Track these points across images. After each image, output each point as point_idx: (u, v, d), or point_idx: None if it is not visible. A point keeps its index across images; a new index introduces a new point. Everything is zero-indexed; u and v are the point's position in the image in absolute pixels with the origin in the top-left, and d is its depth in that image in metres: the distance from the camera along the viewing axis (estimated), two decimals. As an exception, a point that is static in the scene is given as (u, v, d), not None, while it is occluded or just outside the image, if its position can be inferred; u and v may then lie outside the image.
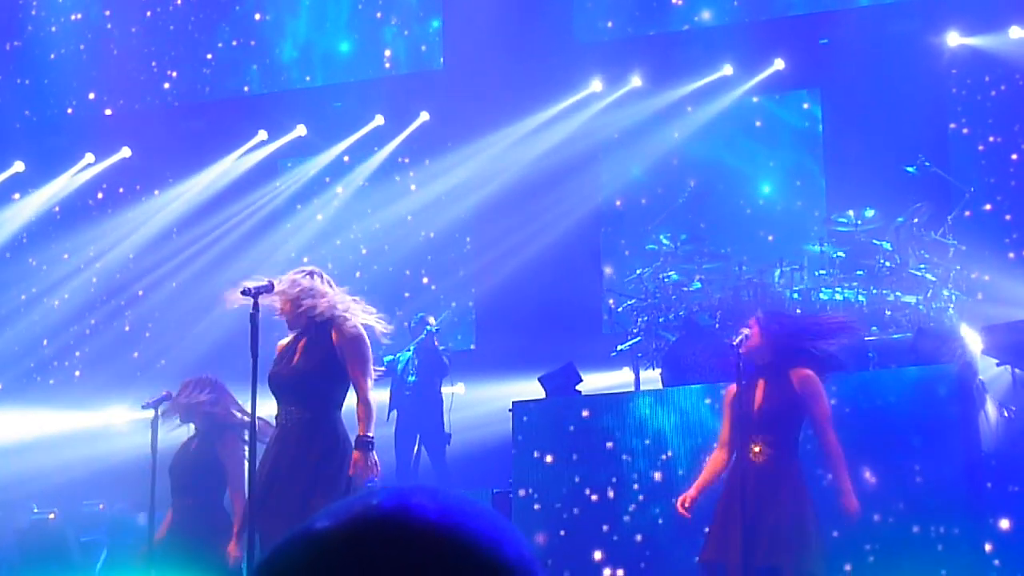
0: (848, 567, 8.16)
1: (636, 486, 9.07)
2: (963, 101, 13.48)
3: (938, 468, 8.20)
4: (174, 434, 7.83)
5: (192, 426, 7.81)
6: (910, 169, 11.59)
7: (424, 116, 15.34)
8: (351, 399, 6.38)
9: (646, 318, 11.39)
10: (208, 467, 7.66)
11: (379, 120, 15.50)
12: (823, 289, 10.78)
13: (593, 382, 11.38)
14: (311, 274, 6.48)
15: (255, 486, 6.08)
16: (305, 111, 15.89)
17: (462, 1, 15.29)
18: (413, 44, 16.07)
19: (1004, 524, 8.29)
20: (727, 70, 14.05)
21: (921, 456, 8.26)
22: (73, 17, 16.76)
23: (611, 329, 12.37)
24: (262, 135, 15.93)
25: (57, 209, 16.62)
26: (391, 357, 12.41)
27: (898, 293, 10.76)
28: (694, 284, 11.35)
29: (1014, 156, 13.10)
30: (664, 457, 9.02)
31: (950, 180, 12.15)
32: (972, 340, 9.72)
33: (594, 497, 9.18)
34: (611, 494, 9.13)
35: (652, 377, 11.02)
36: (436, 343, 12.70)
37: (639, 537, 8.99)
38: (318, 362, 6.33)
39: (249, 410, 6.28)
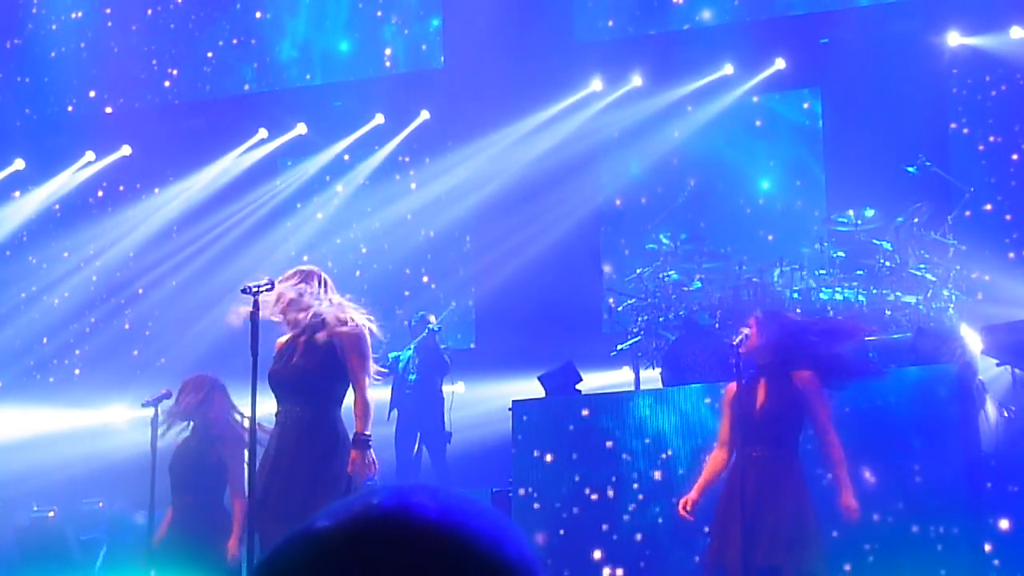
0: (848, 567, 8.16)
1: (636, 485, 9.07)
2: (963, 101, 13.48)
3: (938, 468, 8.20)
4: (174, 432, 7.83)
5: (192, 424, 7.81)
6: (910, 169, 11.59)
7: (424, 115, 15.34)
8: (350, 397, 6.38)
9: (646, 317, 11.39)
10: (208, 466, 7.66)
11: (379, 119, 15.50)
12: (823, 289, 10.78)
13: (593, 381, 11.38)
14: (308, 277, 6.46)
15: (255, 485, 6.08)
16: (305, 110, 15.89)
17: (462, 0, 15.29)
18: (413, 43, 16.07)
19: (1004, 524, 8.29)
20: (728, 70, 14.04)
21: (921, 456, 8.26)
22: (74, 15, 16.75)
23: (611, 328, 12.37)
24: (262, 133, 15.93)
25: (57, 207, 16.63)
26: (395, 354, 12.43)
27: (898, 293, 10.75)
28: (694, 283, 11.35)
29: (1014, 156, 13.09)
30: (664, 456, 9.02)
31: (950, 180, 12.15)
32: (972, 340, 9.72)
33: (594, 496, 9.18)
34: (611, 493, 9.13)
35: (652, 376, 11.02)
36: (437, 342, 12.70)
37: (639, 536, 8.98)
38: (318, 360, 6.32)
39: (244, 412, 6.28)
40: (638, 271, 11.83)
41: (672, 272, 11.45)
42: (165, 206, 16.14)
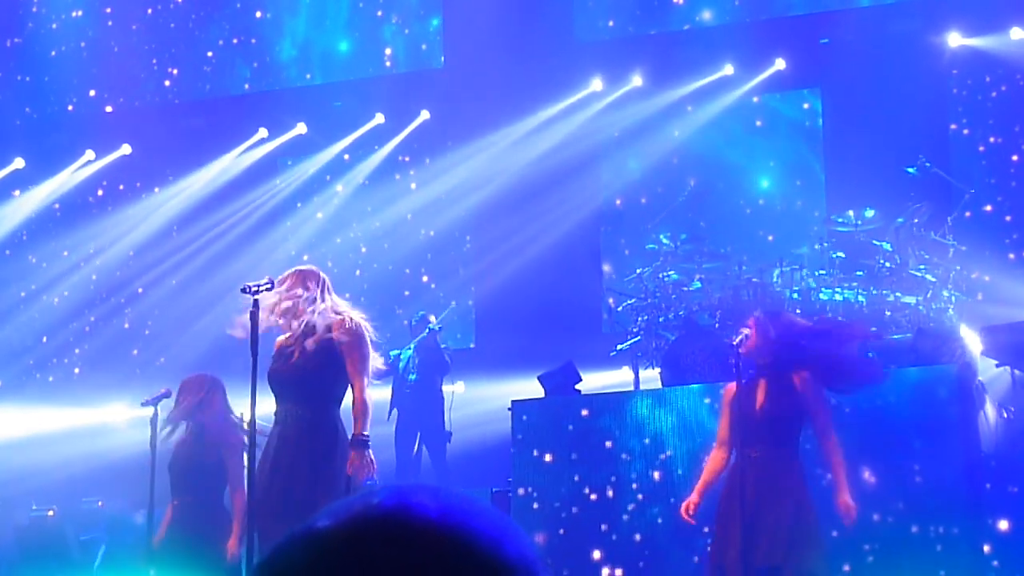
0: (847, 567, 8.16)
1: (635, 485, 9.06)
2: (964, 102, 13.48)
3: (938, 468, 8.20)
4: (177, 434, 7.82)
5: (192, 424, 7.81)
6: (910, 170, 11.58)
7: (424, 115, 15.34)
8: (350, 397, 6.37)
9: (646, 317, 11.39)
10: (207, 465, 7.66)
11: (379, 119, 15.49)
12: (823, 289, 10.77)
13: (593, 381, 11.38)
14: (305, 280, 6.45)
15: (255, 485, 6.07)
16: (305, 109, 15.88)
17: (462, 0, 15.28)
18: (413, 42, 16.07)
19: (1003, 525, 8.29)
20: (728, 70, 14.04)
21: (921, 456, 8.26)
22: (74, 14, 16.75)
23: (611, 328, 12.37)
24: (262, 133, 15.93)
25: (57, 206, 16.62)
26: (396, 352, 12.43)
27: (898, 294, 10.75)
28: (694, 283, 11.35)
29: (1015, 157, 13.09)
30: (663, 457, 9.02)
31: (950, 181, 12.15)
32: (972, 341, 9.72)
33: (593, 496, 9.18)
34: (610, 493, 9.13)
35: (652, 376, 11.02)
36: (438, 341, 12.70)
37: (638, 536, 8.98)
38: (318, 360, 6.32)
39: (243, 413, 6.28)
40: (638, 271, 11.82)
41: (672, 272, 11.45)
42: (165, 205, 16.13)
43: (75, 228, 16.35)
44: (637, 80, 14.43)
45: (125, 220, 16.22)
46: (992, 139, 13.27)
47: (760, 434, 6.61)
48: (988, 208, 12.94)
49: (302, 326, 6.37)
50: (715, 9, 14.68)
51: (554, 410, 9.56)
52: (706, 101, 14.12)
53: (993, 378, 9.77)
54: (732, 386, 6.78)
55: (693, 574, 8.57)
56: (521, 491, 9.41)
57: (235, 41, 16.49)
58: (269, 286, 6.21)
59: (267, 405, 6.46)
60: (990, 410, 9.28)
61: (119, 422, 13.80)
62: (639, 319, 11.47)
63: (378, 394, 6.87)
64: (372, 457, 6.20)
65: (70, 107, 16.76)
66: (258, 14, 16.46)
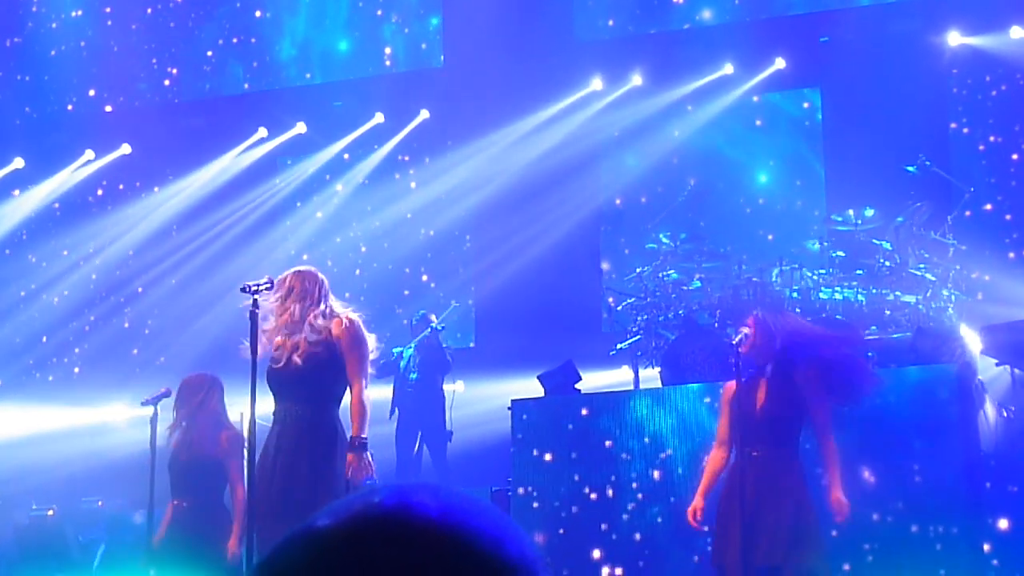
0: (847, 567, 8.16)
1: (635, 485, 9.06)
2: (964, 101, 13.48)
3: (937, 468, 8.20)
4: (179, 435, 7.82)
5: (191, 424, 7.80)
6: (910, 169, 11.58)
7: (424, 114, 15.33)
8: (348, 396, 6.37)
9: (646, 317, 11.38)
10: (207, 465, 7.66)
11: (379, 118, 15.49)
12: (823, 289, 10.77)
13: (592, 381, 11.38)
14: (305, 280, 6.45)
15: (255, 485, 6.07)
16: (305, 109, 15.88)
17: (462, -1, 15.29)
18: (413, 42, 16.06)
19: (1003, 524, 8.29)
20: (728, 69, 14.04)
21: (921, 456, 8.26)
22: (73, 14, 16.75)
23: (611, 328, 12.36)
24: (262, 132, 15.92)
25: (57, 206, 16.62)
26: (399, 349, 12.44)
27: (898, 293, 10.75)
28: (694, 283, 11.34)
29: (1015, 156, 13.09)
30: (663, 456, 9.02)
31: (950, 180, 12.14)
32: (971, 340, 9.71)
33: (593, 496, 9.18)
34: (610, 493, 9.13)
35: (651, 376, 11.01)
36: (439, 341, 12.70)
37: (638, 536, 8.98)
38: (317, 359, 6.32)
39: (239, 414, 6.27)
40: (638, 270, 11.82)
41: (672, 271, 11.44)
42: (165, 204, 16.13)
43: (75, 227, 16.35)
44: (637, 79, 14.43)
45: (125, 219, 16.22)
46: (992, 138, 13.27)
47: (760, 434, 6.61)
48: (988, 207, 12.94)
49: (302, 326, 6.37)
50: (715, 8, 14.68)
51: (554, 409, 9.56)
52: (706, 100, 14.12)
53: (993, 377, 9.76)
54: (732, 385, 6.77)
55: (693, 574, 8.58)
56: (521, 490, 9.41)
57: (235, 40, 16.49)
58: (269, 286, 6.22)
59: (267, 405, 6.47)
60: (990, 409, 9.27)
61: (119, 421, 13.79)
62: (639, 318, 11.47)
63: (379, 393, 6.87)
64: (371, 459, 6.20)
65: (70, 107, 16.76)
66: (258, 13, 16.46)
